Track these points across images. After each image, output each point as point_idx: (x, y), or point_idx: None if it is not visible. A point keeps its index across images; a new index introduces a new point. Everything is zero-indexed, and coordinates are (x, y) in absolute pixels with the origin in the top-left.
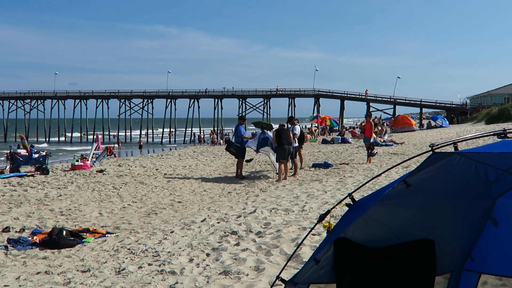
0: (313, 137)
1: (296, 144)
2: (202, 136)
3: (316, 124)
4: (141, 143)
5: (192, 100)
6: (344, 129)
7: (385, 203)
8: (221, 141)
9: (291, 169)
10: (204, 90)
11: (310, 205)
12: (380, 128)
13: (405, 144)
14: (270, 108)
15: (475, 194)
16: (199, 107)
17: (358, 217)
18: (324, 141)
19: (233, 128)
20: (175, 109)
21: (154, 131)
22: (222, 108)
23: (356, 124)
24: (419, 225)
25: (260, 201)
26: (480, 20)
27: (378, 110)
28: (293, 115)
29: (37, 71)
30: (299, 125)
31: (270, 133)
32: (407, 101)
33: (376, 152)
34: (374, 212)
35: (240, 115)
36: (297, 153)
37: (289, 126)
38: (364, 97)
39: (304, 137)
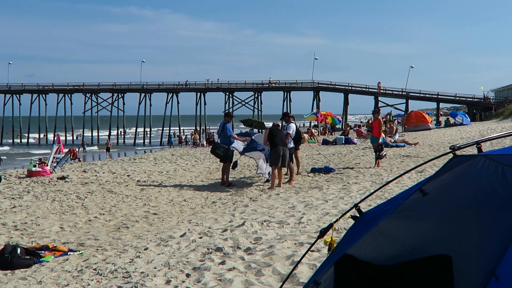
0: (312, 138)
1: (292, 145)
2: (182, 137)
3: (316, 122)
4: (109, 145)
5: (170, 95)
6: (348, 128)
7: (398, 215)
8: (204, 142)
9: (286, 174)
10: (185, 83)
11: (309, 217)
12: (390, 126)
13: (420, 145)
14: (261, 103)
15: (502, 202)
16: (178, 102)
17: (366, 232)
18: (325, 142)
19: (218, 127)
20: (150, 105)
21: (125, 130)
22: (205, 103)
23: (362, 122)
24: (437, 240)
25: (249, 212)
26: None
27: (388, 105)
28: (288, 111)
29: None
30: (295, 123)
31: (260, 143)
32: (421, 95)
33: (385, 154)
34: (385, 226)
35: (226, 111)
36: (293, 156)
37: (284, 124)
38: (371, 90)
39: (301, 137)
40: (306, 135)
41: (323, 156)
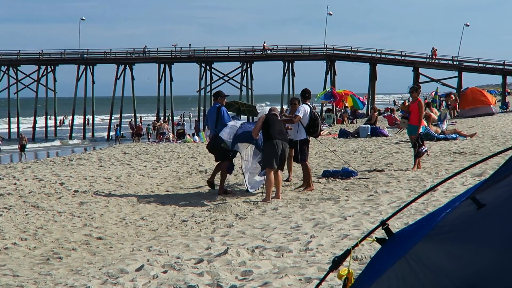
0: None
1: (303, 137)
2: (142, 127)
3: (330, 106)
4: (24, 141)
5: (122, 67)
6: (376, 113)
7: (443, 236)
8: (171, 136)
9: (286, 180)
10: (142, 50)
11: (319, 241)
12: (435, 111)
13: (478, 136)
14: (252, 78)
15: None
16: (133, 78)
17: (397, 260)
18: (343, 134)
19: (207, 114)
20: (94, 82)
21: (58, 118)
22: (172, 79)
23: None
24: (500, 274)
25: (235, 235)
26: None
27: (432, 80)
28: (307, 89)
29: None
30: (309, 105)
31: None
32: (480, 66)
33: (426, 150)
34: (423, 251)
35: (217, 91)
36: (303, 152)
37: (301, 106)
38: (410, 59)
39: (317, 125)
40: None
41: (340, 155)
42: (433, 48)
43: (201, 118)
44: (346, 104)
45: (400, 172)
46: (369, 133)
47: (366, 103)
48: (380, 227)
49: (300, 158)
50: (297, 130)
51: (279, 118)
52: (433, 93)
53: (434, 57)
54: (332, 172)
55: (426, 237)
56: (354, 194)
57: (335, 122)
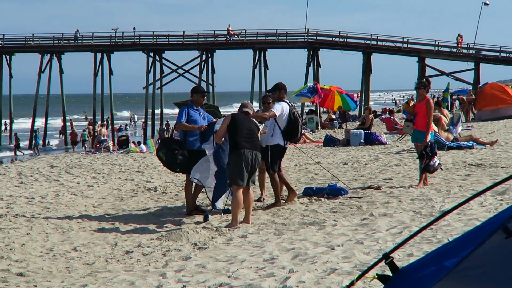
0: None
1: (277, 142)
2: (72, 133)
3: (313, 106)
4: None
5: (48, 57)
6: (370, 116)
7: (466, 274)
8: (110, 145)
9: (258, 200)
10: (73, 35)
11: (300, 277)
12: (446, 112)
13: (500, 144)
14: (214, 72)
15: None
16: (62, 71)
17: None
18: (329, 141)
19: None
20: (11, 77)
21: None
22: (111, 72)
23: (398, 105)
24: None
25: (193, 270)
26: None
27: (443, 73)
28: (281, 83)
29: None
30: (288, 103)
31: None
32: (503, 56)
33: (440, 164)
34: None
35: (196, 86)
36: (274, 160)
37: (278, 104)
38: (414, 47)
39: (297, 128)
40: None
41: (326, 168)
42: (458, 35)
43: (150, 122)
44: (333, 103)
45: (402, 190)
46: (362, 141)
47: (358, 102)
48: (383, 261)
49: (270, 168)
50: (271, 133)
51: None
52: (444, 90)
53: (459, 46)
54: (316, 190)
55: (444, 276)
56: (343, 218)
57: (319, 127)
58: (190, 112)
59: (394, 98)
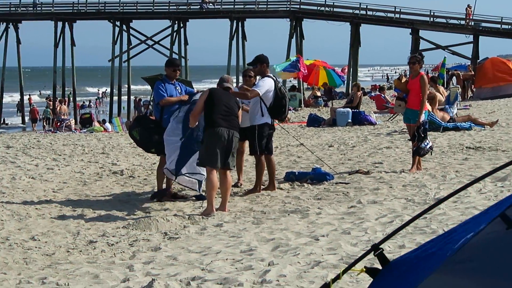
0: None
1: (264, 120)
2: (32, 110)
3: (295, 82)
4: None
5: (3, 26)
6: (359, 93)
7: (457, 267)
8: (72, 123)
9: (235, 185)
10: (32, 2)
11: (280, 270)
12: (442, 90)
13: (500, 125)
14: (187, 43)
15: None
16: (19, 41)
17: None
18: (313, 121)
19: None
20: None
21: None
22: (73, 43)
23: (389, 81)
24: None
25: (163, 262)
26: None
27: (438, 47)
28: (263, 56)
29: None
30: (273, 78)
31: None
32: (504, 28)
33: (431, 147)
34: None
35: (171, 59)
36: (262, 140)
37: (262, 80)
38: (407, 18)
39: (284, 106)
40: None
41: (309, 150)
42: (468, 6)
43: (116, 98)
44: (317, 79)
45: (393, 175)
46: (349, 120)
47: (345, 78)
48: (372, 253)
49: (259, 149)
50: (255, 111)
51: (233, 93)
52: (439, 65)
53: (468, 18)
54: (299, 175)
55: (438, 267)
56: (329, 205)
57: (303, 105)
58: (166, 87)
59: (387, 74)
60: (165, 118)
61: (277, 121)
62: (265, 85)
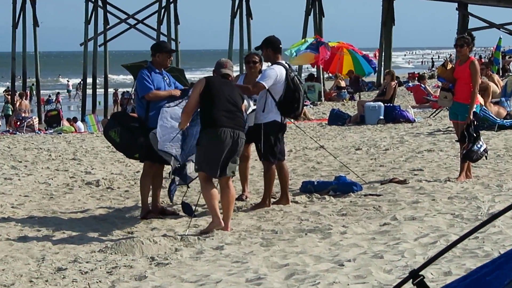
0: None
1: (272, 118)
2: None
3: (314, 70)
4: None
5: None
6: (393, 83)
7: None
8: (35, 122)
9: (239, 198)
10: None
11: None
12: (497, 78)
13: None
14: (178, 22)
15: None
16: None
17: None
18: (337, 118)
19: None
20: None
21: None
22: (37, 23)
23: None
24: None
25: None
26: None
27: (492, 25)
28: (273, 38)
29: None
30: (284, 65)
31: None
32: None
33: (485, 150)
34: None
35: (160, 43)
36: (270, 143)
37: (270, 68)
38: None
39: (297, 100)
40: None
41: (331, 154)
42: None
43: (90, 91)
44: (340, 65)
45: (437, 185)
46: (381, 117)
47: (376, 65)
48: (410, 280)
49: (267, 154)
50: (262, 108)
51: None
52: (494, 48)
53: None
54: (318, 185)
55: None
56: (356, 223)
57: (323, 98)
58: (153, 77)
59: (432, 59)
60: (151, 115)
61: (293, 118)
62: (272, 75)
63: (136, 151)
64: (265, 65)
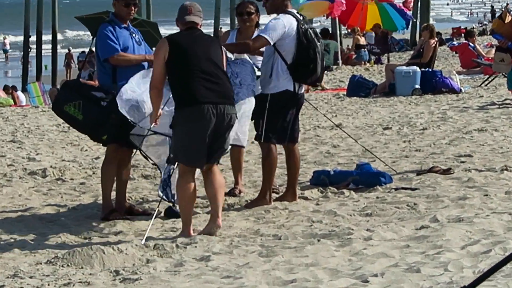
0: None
1: (282, 87)
2: None
3: (328, 23)
4: None
5: None
6: (432, 41)
7: None
8: None
9: (230, 193)
10: None
11: None
12: None
13: None
14: None
15: None
16: None
17: None
18: (358, 86)
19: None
20: None
21: None
22: None
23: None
24: None
25: None
26: None
27: None
28: None
29: None
30: (296, 16)
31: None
32: None
33: None
34: None
35: None
36: (273, 119)
37: (275, 19)
38: None
39: (316, 56)
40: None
41: (350, 136)
42: None
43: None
44: (362, 20)
45: (490, 176)
46: (417, 86)
47: (411, 17)
48: None
49: (265, 134)
50: (269, 73)
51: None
52: None
53: None
54: (335, 176)
55: None
56: (385, 226)
57: (340, 61)
58: (117, 33)
59: (492, 7)
60: (120, 85)
61: (309, 87)
62: (278, 27)
63: (104, 132)
64: (266, 19)
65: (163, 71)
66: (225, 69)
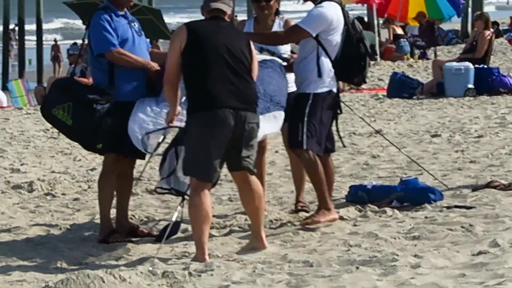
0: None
1: (325, 87)
2: None
3: (364, 11)
4: None
5: None
6: (487, 33)
7: None
8: None
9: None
10: None
11: None
12: None
13: None
14: None
15: None
16: None
17: None
18: (400, 85)
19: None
20: None
21: None
22: None
23: None
24: None
25: None
26: None
27: None
28: None
29: None
30: (340, 3)
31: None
32: None
33: None
34: None
35: None
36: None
37: (316, 8)
38: None
39: (364, 53)
40: None
41: (392, 144)
42: None
43: (16, 43)
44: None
45: None
46: (470, 86)
47: (463, 3)
48: None
49: (306, 139)
50: (309, 69)
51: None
52: None
53: None
54: (375, 192)
55: None
56: (436, 251)
57: (378, 56)
58: (115, 23)
59: None
60: (119, 85)
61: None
62: (323, 18)
63: (100, 140)
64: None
65: (178, 63)
66: (255, 72)
